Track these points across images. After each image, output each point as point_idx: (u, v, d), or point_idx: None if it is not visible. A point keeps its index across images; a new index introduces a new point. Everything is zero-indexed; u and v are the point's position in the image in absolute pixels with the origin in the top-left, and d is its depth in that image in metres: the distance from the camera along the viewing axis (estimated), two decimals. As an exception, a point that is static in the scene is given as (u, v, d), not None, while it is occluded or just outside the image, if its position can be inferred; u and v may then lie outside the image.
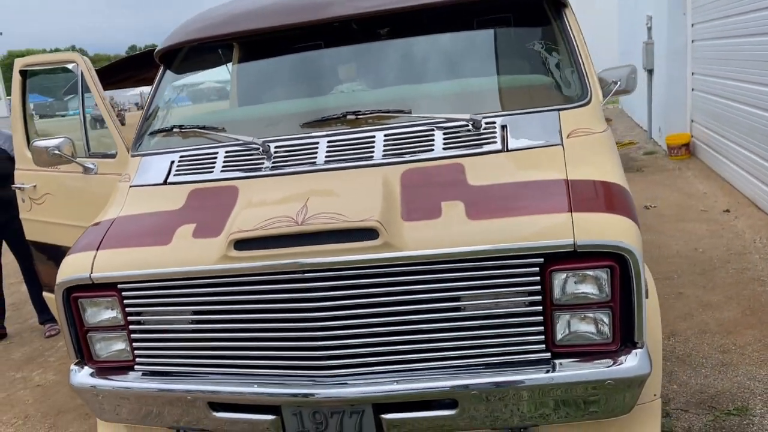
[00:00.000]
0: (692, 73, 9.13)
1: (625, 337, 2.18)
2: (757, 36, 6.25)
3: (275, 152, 2.53)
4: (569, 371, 2.15)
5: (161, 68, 3.11)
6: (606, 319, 2.16)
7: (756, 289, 4.36)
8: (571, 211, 2.14)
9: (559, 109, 2.47)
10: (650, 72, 10.81)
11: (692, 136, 9.26)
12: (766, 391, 3.15)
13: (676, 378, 3.37)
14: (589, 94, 2.55)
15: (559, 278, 2.13)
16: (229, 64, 3.24)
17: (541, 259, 2.12)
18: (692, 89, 9.19)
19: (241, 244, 2.20)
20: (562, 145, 2.37)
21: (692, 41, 9.05)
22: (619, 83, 2.87)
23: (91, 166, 3.34)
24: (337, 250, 2.15)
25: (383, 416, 2.24)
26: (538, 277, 2.13)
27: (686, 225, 5.97)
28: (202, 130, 2.70)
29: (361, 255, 2.14)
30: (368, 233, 2.14)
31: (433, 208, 2.22)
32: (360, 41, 2.84)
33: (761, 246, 5.16)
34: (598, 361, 2.16)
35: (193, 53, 3.10)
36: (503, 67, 2.69)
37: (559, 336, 2.19)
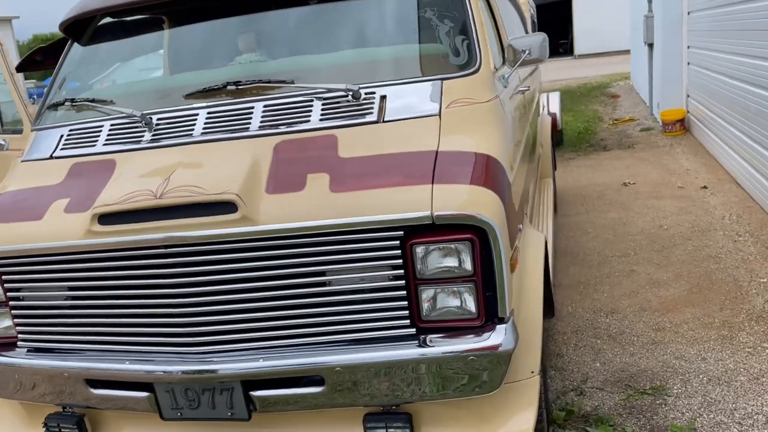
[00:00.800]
0: (688, 47, 8.87)
1: (492, 313, 2.12)
2: (751, 2, 5.99)
3: (156, 125, 2.49)
4: (431, 347, 2.10)
5: (68, 41, 3.09)
6: (469, 294, 2.10)
7: (709, 267, 4.23)
8: (432, 183, 2.07)
9: (442, 79, 2.39)
10: (650, 46, 10.54)
11: (687, 112, 9.03)
12: (689, 371, 3.06)
13: (602, 356, 3.29)
14: (477, 62, 2.46)
15: (420, 252, 2.08)
16: (139, 36, 3.20)
17: (401, 233, 2.07)
18: (688, 63, 8.94)
19: (105, 218, 2.18)
20: (440, 115, 2.30)
21: (688, 12, 8.78)
22: (527, 52, 2.77)
23: (2, 143, 3.35)
24: (194, 224, 2.12)
25: (252, 393, 2.22)
26: (399, 251, 2.08)
27: (658, 202, 5.82)
28: (91, 104, 2.67)
29: (218, 229, 2.11)
30: (226, 206, 2.10)
31: (298, 180, 2.17)
32: (258, 10, 2.77)
33: (728, 223, 5.02)
34: (462, 337, 2.10)
35: (98, 24, 3.06)
36: (393, 36, 2.61)
37: (425, 311, 2.13)
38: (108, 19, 3.05)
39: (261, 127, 2.37)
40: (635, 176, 6.88)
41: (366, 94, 2.37)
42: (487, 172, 2.12)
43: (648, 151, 8.17)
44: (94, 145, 2.53)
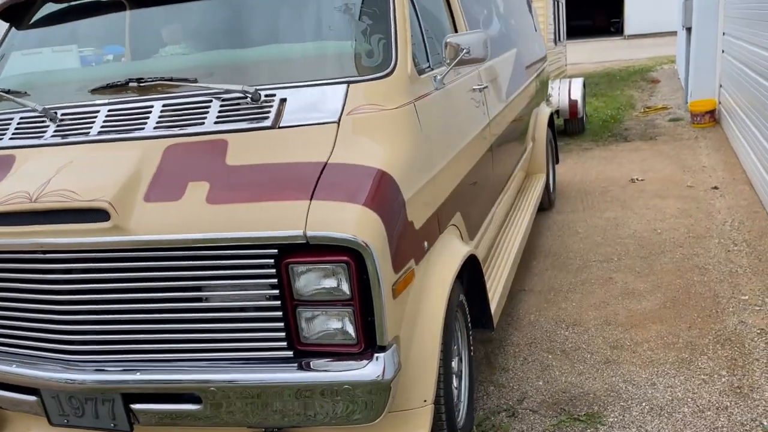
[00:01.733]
0: (723, 33, 8.36)
1: (373, 339, 1.98)
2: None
3: (61, 120, 2.41)
4: (306, 373, 1.98)
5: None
6: (348, 319, 1.97)
7: (691, 279, 3.97)
8: (311, 199, 1.93)
9: (348, 82, 2.23)
10: (689, 30, 9.99)
11: (719, 103, 8.54)
12: (633, 397, 2.86)
13: (549, 374, 3.11)
14: (392, 64, 2.29)
15: (296, 272, 1.95)
16: (76, 23, 3.11)
17: (275, 251, 1.94)
18: (722, 51, 8.43)
19: (-16, 219, 2.12)
20: (339, 123, 2.15)
21: (725, -4, 8.26)
22: (466, 50, 2.57)
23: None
24: (66, 231, 2.04)
25: (132, 406, 2.14)
26: (274, 270, 1.96)
27: (661, 202, 5.51)
28: (6, 95, 2.60)
29: (89, 237, 2.02)
30: (98, 214, 2.01)
31: (178, 188, 2.06)
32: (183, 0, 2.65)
33: (728, 230, 4.70)
34: (339, 364, 1.98)
35: (38, 9, 2.98)
36: (306, 33, 2.45)
37: (304, 334, 2.01)
38: (50, 5, 2.97)
39: (156, 128, 2.26)
40: (647, 172, 6.54)
41: (266, 96, 2.23)
42: (374, 189, 1.97)
43: (670, 143, 7.78)
44: (1, 139, 2.47)
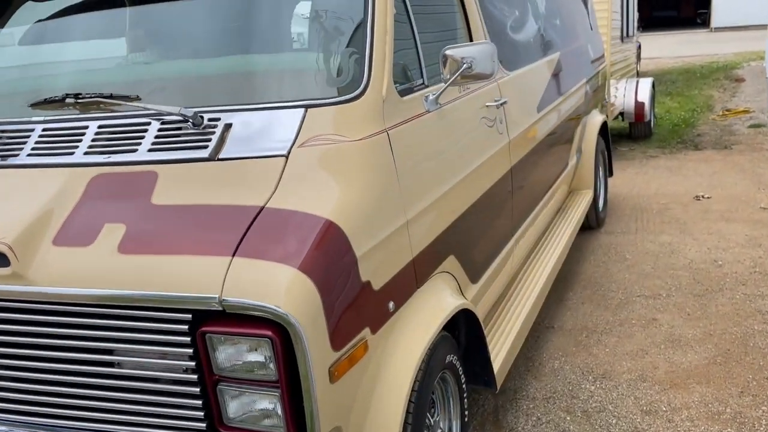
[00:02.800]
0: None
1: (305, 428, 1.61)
2: None
3: None
4: (224, 463, 1.63)
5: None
6: (275, 403, 1.60)
7: (751, 327, 3.40)
8: (233, 255, 1.57)
9: (307, 105, 1.84)
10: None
11: (808, 109, 7.67)
12: (661, 482, 2.38)
13: (563, 441, 2.66)
14: (363, 85, 1.89)
15: (214, 343, 1.60)
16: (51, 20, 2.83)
17: (189, 316, 1.59)
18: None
19: None
20: (287, 156, 1.77)
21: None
22: (467, 65, 2.15)
23: None
24: (-36, 274, 1.76)
25: (33, 477, 1.86)
26: (189, 338, 1.61)
27: (727, 226, 4.88)
28: None
29: (-15, 285, 1.73)
30: (-1, 259, 1.72)
31: (91, 231, 1.74)
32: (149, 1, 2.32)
33: (803, 265, 4.07)
34: (263, 457, 1.62)
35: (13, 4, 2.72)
36: (265, 44, 2.07)
37: (226, 415, 1.66)
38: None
39: (87, 153, 1.94)
40: (715, 187, 5.87)
41: (209, 120, 1.88)
42: (313, 247, 1.59)
43: (746, 154, 7.02)
44: None
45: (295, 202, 1.68)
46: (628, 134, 8.41)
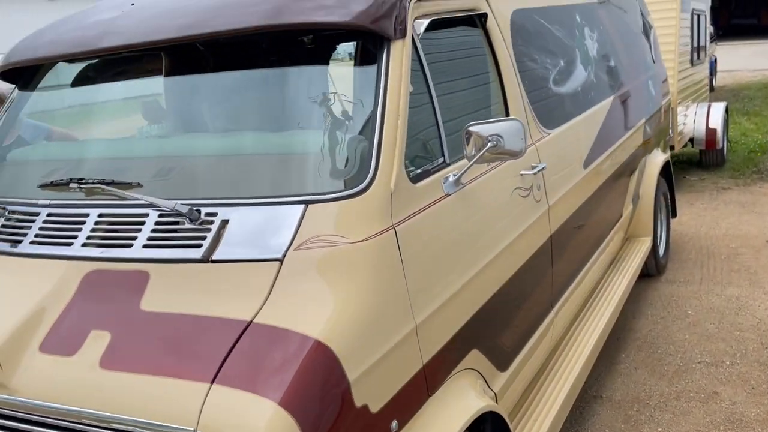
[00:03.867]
0: None
1: None
2: None
3: (6, 220, 2.09)
4: None
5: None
6: None
7: (826, 409, 3.05)
8: (212, 382, 1.45)
9: (308, 201, 1.71)
10: None
11: None
12: None
13: None
14: (369, 177, 1.73)
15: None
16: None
17: (168, 445, 1.47)
18: None
19: None
20: (282, 261, 1.64)
21: None
22: (493, 143, 1.97)
23: None
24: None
25: None
26: (166, 469, 1.49)
27: (804, 278, 4.47)
28: None
29: (-32, 391, 1.67)
30: (-17, 365, 1.65)
31: (78, 338, 1.65)
32: (165, 73, 2.25)
33: None
34: None
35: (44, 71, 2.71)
36: (271, 131, 1.94)
37: None
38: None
39: (84, 245, 1.87)
40: (792, 229, 5.42)
41: (206, 215, 1.77)
42: (298, 376, 1.44)
43: (830, 188, 6.48)
44: None
45: (285, 316, 1.54)
46: (698, 162, 7.93)
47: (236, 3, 1.96)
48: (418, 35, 2.05)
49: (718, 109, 7.55)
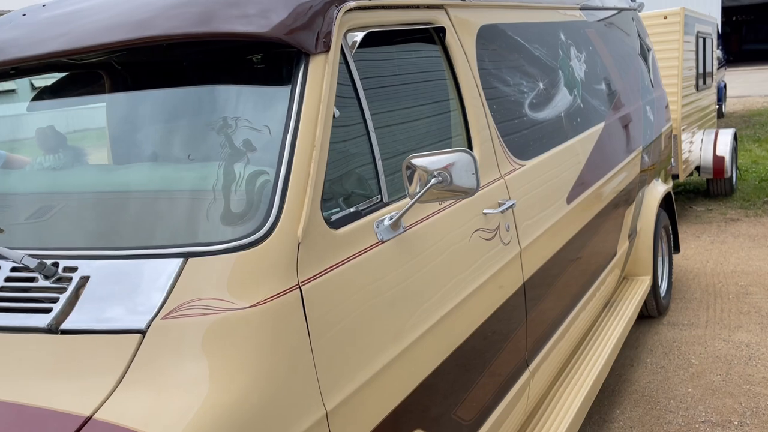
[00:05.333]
0: None
1: None
2: None
3: None
4: None
5: None
6: None
7: None
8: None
9: (188, 254, 1.35)
10: None
11: None
12: None
13: None
14: (270, 223, 1.38)
15: None
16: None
17: None
18: None
19: None
20: (144, 333, 1.28)
21: None
22: (438, 179, 1.62)
23: None
24: None
25: None
26: None
27: (821, 322, 4.04)
28: None
29: None
30: None
31: None
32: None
33: None
34: None
35: None
36: (153, 165, 1.60)
37: None
38: None
39: None
40: (807, 265, 5.00)
41: (64, 270, 1.41)
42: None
43: None
44: None
45: (136, 410, 1.18)
46: (705, 191, 7.54)
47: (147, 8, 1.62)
48: (351, 50, 1.71)
49: (727, 135, 7.18)
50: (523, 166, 2.43)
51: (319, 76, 1.55)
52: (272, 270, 1.35)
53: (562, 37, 3.12)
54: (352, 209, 1.60)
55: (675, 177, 6.41)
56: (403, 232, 1.71)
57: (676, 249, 4.68)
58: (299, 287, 1.38)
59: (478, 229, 2.05)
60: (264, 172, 1.45)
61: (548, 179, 2.61)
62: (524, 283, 2.33)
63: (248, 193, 1.43)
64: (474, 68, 2.25)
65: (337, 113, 1.60)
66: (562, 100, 2.92)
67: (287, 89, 1.53)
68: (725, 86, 13.91)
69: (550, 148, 2.69)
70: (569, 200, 2.77)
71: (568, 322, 2.78)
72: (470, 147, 2.17)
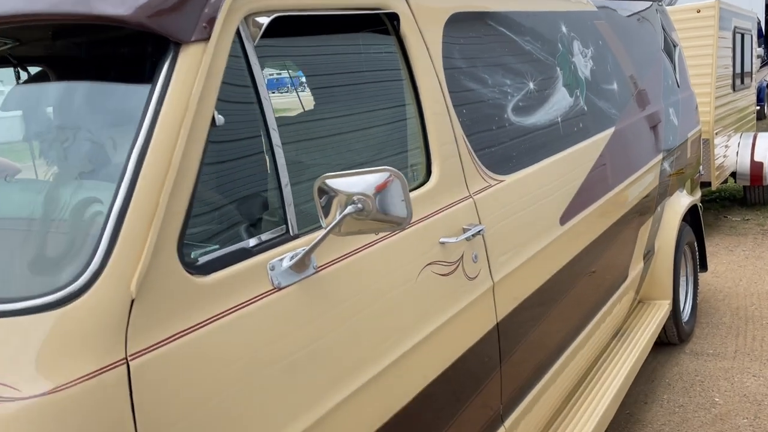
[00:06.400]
0: None
1: None
2: None
3: None
4: None
5: None
6: None
7: None
8: None
9: None
10: None
11: None
12: None
13: None
14: (91, 273, 1.02)
15: None
16: None
17: None
18: None
19: None
20: None
21: None
22: (357, 206, 1.25)
23: None
24: None
25: None
26: None
27: None
28: None
29: None
30: None
31: None
32: None
33: None
34: None
35: None
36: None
37: None
38: None
39: None
40: None
41: None
42: None
43: None
44: None
45: None
46: (741, 199, 6.99)
47: None
48: (254, 40, 1.35)
49: (766, 139, 6.62)
50: (501, 182, 2.03)
51: (192, 71, 1.18)
52: (85, 339, 0.99)
53: (564, 29, 2.70)
54: (234, 247, 1.23)
55: (706, 185, 5.90)
56: (313, 273, 1.34)
57: (703, 267, 4.21)
58: (126, 362, 1.01)
59: (430, 263, 1.67)
60: (97, 201, 1.09)
61: (536, 196, 2.21)
62: (498, 324, 1.93)
63: (71, 230, 1.07)
64: (438, 66, 1.87)
65: (220, 120, 1.23)
66: (559, 103, 2.51)
67: (145, 89, 1.17)
68: (767, 86, 13.15)
69: (540, 159, 2.28)
70: (563, 220, 2.36)
71: (560, 365, 2.38)
72: (429, 162, 1.78)
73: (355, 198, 1.27)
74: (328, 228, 1.25)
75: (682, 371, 3.59)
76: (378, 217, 1.28)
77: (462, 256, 1.79)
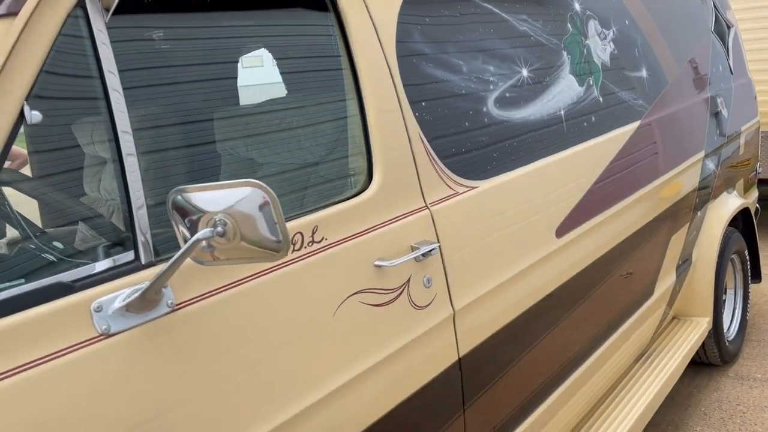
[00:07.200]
0: None
1: None
2: None
3: None
4: None
5: None
6: None
7: None
8: None
9: None
10: None
11: None
12: None
13: None
14: None
15: None
16: None
17: None
18: None
19: None
20: None
21: None
22: (211, 229, 0.98)
23: None
24: None
25: None
26: None
27: None
28: None
29: None
30: None
31: None
32: None
33: None
34: None
35: None
36: None
37: None
38: None
39: None
40: None
41: None
42: None
43: None
44: None
45: None
46: (814, 197, 6.31)
47: None
48: (105, 15, 1.07)
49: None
50: (472, 189, 1.70)
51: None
52: None
53: (576, 6, 2.32)
54: (46, 281, 0.97)
55: (766, 183, 5.32)
56: (168, 313, 1.06)
57: (756, 278, 3.72)
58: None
59: (357, 292, 1.37)
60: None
61: (524, 204, 1.86)
62: (460, 360, 1.62)
63: None
64: (390, 51, 1.55)
65: (35, 117, 0.97)
66: (562, 94, 2.14)
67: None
68: None
69: (532, 160, 1.93)
70: (561, 232, 2.01)
71: (553, 402, 2.03)
72: (370, 168, 1.48)
73: (217, 218, 0.99)
74: (172, 260, 0.97)
75: (722, 398, 3.16)
76: (242, 245, 0.99)
77: (408, 280, 1.48)
